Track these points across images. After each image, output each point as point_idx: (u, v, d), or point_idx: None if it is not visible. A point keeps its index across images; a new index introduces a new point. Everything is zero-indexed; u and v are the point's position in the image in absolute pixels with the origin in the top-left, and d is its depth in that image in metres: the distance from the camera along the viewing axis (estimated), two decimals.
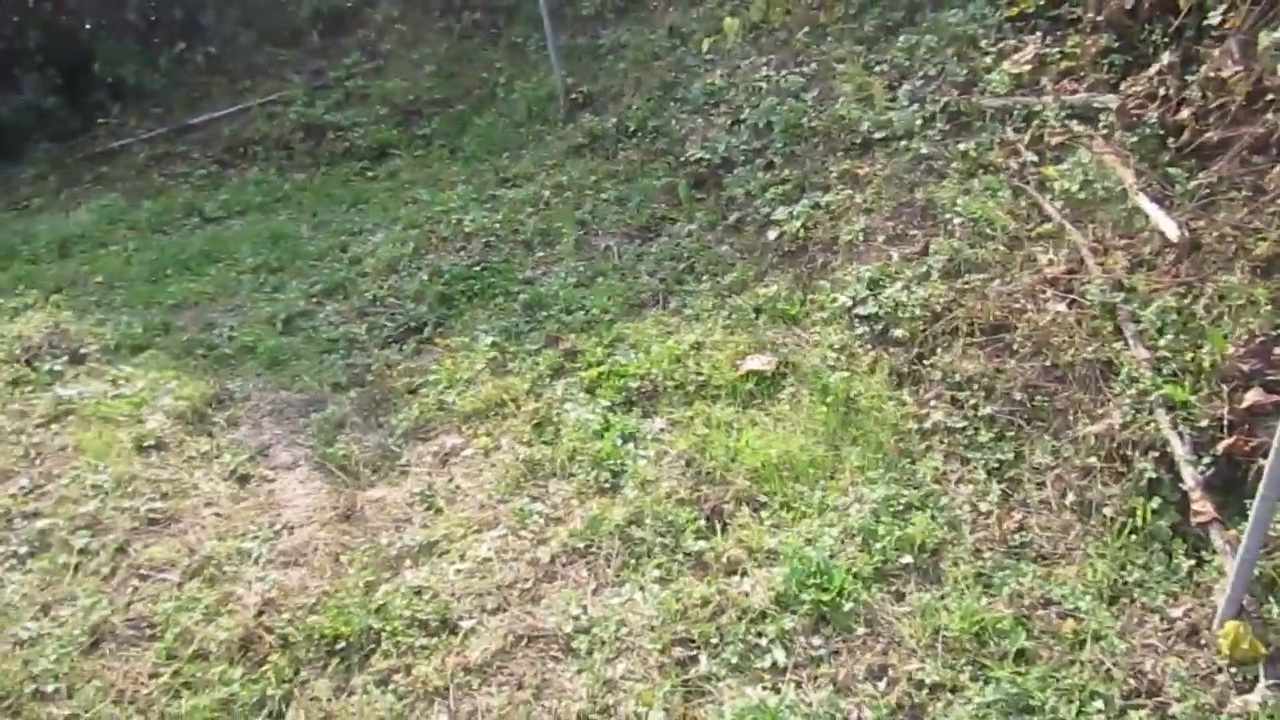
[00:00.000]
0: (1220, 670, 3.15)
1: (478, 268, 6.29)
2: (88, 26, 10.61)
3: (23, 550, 4.19)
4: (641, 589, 3.74)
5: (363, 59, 10.33)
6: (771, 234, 5.71)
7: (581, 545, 3.97)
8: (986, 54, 6.03)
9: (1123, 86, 5.15)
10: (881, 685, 3.28)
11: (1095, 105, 5.19)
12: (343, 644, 3.61)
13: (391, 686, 3.45)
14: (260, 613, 3.77)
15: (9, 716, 3.41)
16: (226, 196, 8.57)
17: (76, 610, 3.85)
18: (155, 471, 4.65)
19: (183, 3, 10.74)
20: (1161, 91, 4.93)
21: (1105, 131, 5.03)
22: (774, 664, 3.38)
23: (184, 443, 4.88)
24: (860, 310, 4.89)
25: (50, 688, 3.51)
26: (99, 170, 9.75)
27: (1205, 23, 4.97)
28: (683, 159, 6.88)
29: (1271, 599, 3.26)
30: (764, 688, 3.30)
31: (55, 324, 6.06)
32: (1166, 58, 5.01)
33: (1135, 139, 4.86)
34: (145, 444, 4.84)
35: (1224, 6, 4.87)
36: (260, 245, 7.18)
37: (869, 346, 4.75)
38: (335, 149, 9.21)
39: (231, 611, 3.80)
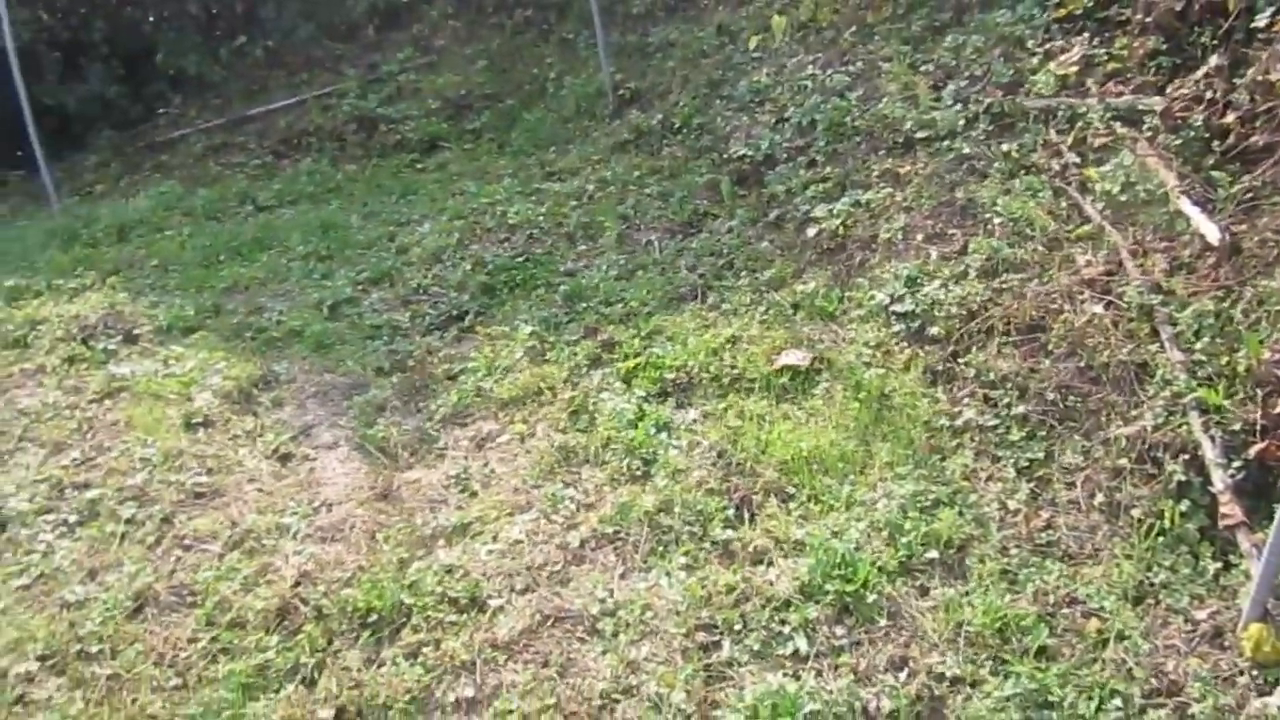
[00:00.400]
0: (1242, 673, 3.14)
1: (520, 259, 6.40)
2: (151, 19, 10.93)
3: (73, 518, 4.36)
4: (668, 575, 3.79)
5: (416, 54, 10.50)
6: (811, 231, 5.74)
7: (611, 531, 4.04)
8: (1033, 55, 5.99)
9: (1169, 89, 5.11)
10: (902, 676, 3.31)
11: (1140, 107, 5.15)
12: (375, 617, 3.72)
13: (420, 659, 3.54)
14: (297, 584, 3.89)
15: (55, 674, 3.57)
16: (279, 186, 8.79)
17: (122, 576, 4.00)
18: (201, 447, 4.80)
19: None
20: (1208, 94, 4.88)
21: (1149, 134, 4.99)
22: (796, 652, 3.43)
23: (230, 421, 5.03)
24: (897, 308, 4.91)
25: (95, 648, 3.66)
26: (158, 159, 10.04)
27: (1254, 25, 4.92)
28: (726, 156, 6.92)
29: None
30: (785, 674, 3.34)
31: (111, 305, 6.26)
32: (1214, 60, 4.96)
33: (1179, 142, 4.82)
34: (193, 421, 4.99)
35: (1273, 9, 4.81)
36: (310, 234, 7.35)
37: (905, 344, 4.77)
38: (386, 141, 9.39)
39: (269, 582, 3.92)
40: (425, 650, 3.58)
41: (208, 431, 4.95)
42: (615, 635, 3.57)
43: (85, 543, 4.21)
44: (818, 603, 3.56)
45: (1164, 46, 5.43)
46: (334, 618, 3.73)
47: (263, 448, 4.82)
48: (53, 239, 7.83)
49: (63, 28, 10.44)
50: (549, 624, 3.65)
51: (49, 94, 9.99)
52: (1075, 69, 5.64)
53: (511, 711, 3.30)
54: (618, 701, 3.33)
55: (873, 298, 5.05)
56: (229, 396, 5.21)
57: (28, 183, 9.80)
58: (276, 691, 3.46)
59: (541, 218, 6.85)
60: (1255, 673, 3.13)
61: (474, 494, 4.39)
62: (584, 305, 5.73)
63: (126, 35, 10.67)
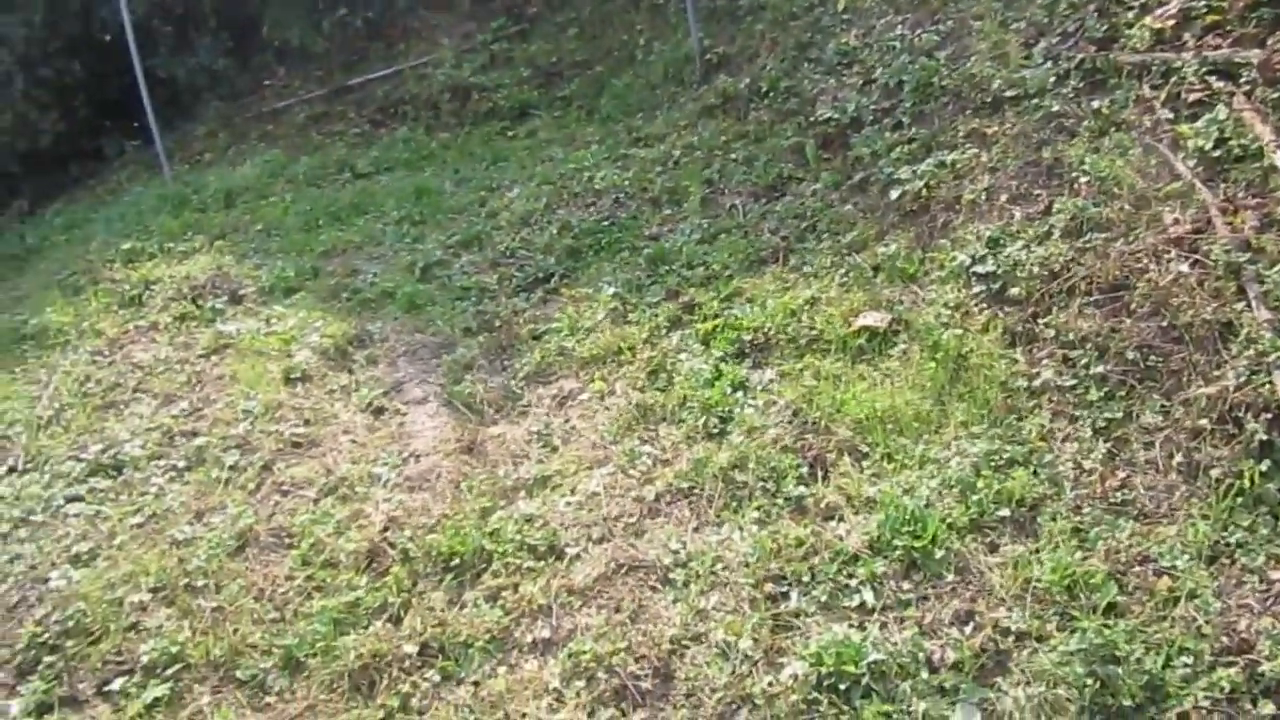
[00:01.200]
0: None
1: (606, 223, 6.52)
2: None
3: (181, 464, 4.69)
4: (740, 529, 3.89)
5: (509, 23, 10.65)
6: (894, 193, 5.70)
7: (685, 485, 4.15)
8: (1129, 9, 5.79)
9: (1270, 41, 4.91)
10: (967, 630, 3.34)
11: (1238, 60, 4.97)
12: (458, 561, 3.92)
13: (500, 602, 3.72)
14: (386, 529, 4.12)
15: (165, 604, 3.86)
16: (377, 154, 9.09)
17: (226, 518, 4.29)
18: (300, 401, 5.07)
19: None
20: None
21: (1246, 88, 4.82)
22: (862, 604, 3.49)
23: (326, 376, 5.30)
24: (978, 269, 4.86)
25: (200, 582, 3.96)
26: (264, 128, 10.45)
27: None
28: (812, 119, 6.88)
29: None
30: (850, 625, 3.41)
31: (218, 267, 6.62)
32: None
33: (1277, 95, 4.65)
34: (292, 376, 5.29)
35: None
36: (405, 199, 7.60)
37: (984, 305, 4.73)
38: (479, 110, 9.60)
39: (360, 527, 4.16)
40: (504, 593, 3.75)
41: (306, 386, 5.22)
42: (686, 585, 3.68)
43: (193, 486, 4.52)
44: (886, 557, 3.61)
45: None
46: (419, 561, 3.94)
47: (357, 402, 5.07)
48: (165, 204, 8.28)
49: (175, 2, 10.86)
50: (623, 572, 3.79)
51: (162, 66, 10.46)
52: (1172, 22, 5.45)
53: (585, 652, 3.45)
54: (687, 647, 3.45)
55: (954, 259, 5.01)
56: (326, 354, 5.49)
57: (142, 152, 10.32)
58: (365, 627, 3.68)
59: (627, 183, 6.94)
60: None
61: (554, 449, 4.55)
62: (666, 268, 5.82)
63: (234, 8, 11.07)
